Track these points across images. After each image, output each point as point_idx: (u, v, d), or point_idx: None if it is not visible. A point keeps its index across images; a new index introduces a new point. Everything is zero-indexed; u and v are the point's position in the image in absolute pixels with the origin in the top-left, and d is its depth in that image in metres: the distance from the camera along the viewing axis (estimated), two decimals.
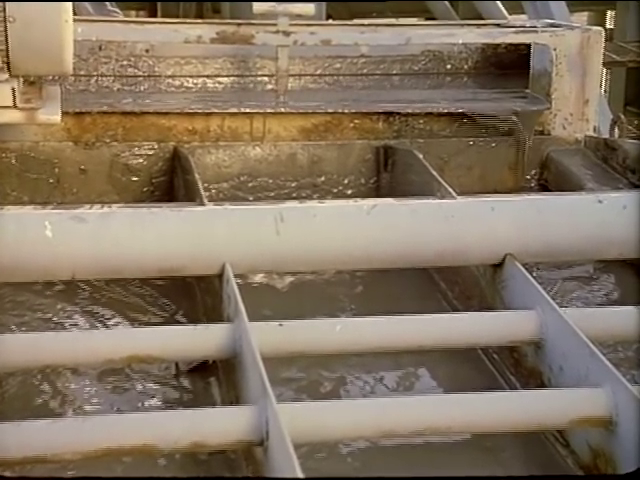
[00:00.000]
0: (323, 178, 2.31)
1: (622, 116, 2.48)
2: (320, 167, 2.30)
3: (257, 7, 2.37)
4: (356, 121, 2.35)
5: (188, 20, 2.68)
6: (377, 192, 2.30)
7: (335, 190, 2.32)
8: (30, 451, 1.20)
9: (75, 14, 1.81)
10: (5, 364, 1.39)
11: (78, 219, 1.55)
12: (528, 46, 2.58)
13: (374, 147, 2.32)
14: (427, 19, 5.79)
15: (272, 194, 2.26)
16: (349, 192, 2.33)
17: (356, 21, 5.45)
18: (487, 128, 2.38)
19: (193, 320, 1.76)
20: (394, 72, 2.74)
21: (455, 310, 1.84)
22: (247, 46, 2.44)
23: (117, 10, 3.94)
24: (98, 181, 2.21)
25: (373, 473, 1.39)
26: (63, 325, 1.73)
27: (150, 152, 2.23)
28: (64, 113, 1.88)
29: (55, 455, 1.20)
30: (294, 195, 2.26)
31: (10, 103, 1.79)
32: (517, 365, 1.61)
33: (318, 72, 2.69)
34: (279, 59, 2.39)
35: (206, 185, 2.15)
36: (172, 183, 2.23)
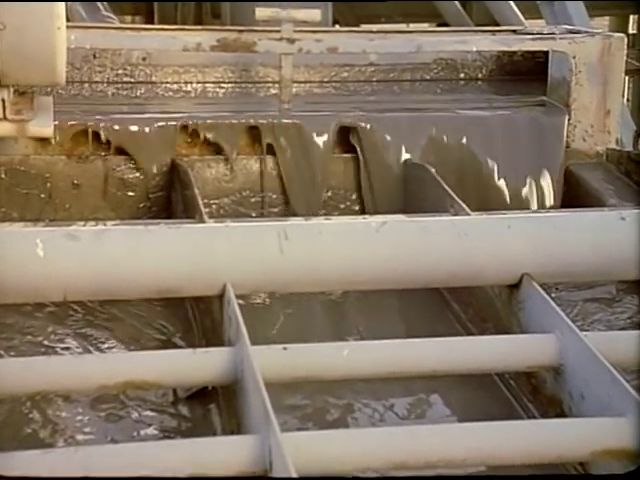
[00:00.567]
0: (330, 193, 2.32)
1: None
2: (326, 181, 2.31)
3: (260, 13, 2.39)
4: None
5: (187, 27, 2.70)
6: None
7: (342, 206, 2.32)
8: None
9: (68, 20, 1.83)
10: None
11: (71, 237, 1.55)
12: (546, 53, 2.59)
13: None
14: (439, 24, 5.80)
15: (276, 210, 2.27)
16: (357, 208, 2.34)
17: (364, 27, 5.47)
18: None
19: (192, 343, 1.76)
20: (404, 80, 2.75)
21: (469, 333, 1.84)
22: (249, 54, 2.45)
23: (112, 15, 3.96)
24: (92, 196, 2.22)
25: None
26: (54, 349, 1.74)
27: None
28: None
29: None
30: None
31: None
32: (535, 392, 1.61)
33: (324, 81, 2.71)
34: (283, 68, 2.40)
35: (206, 201, 2.16)
36: (170, 198, 2.24)
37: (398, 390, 1.65)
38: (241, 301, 1.56)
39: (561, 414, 1.51)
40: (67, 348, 1.75)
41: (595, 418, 1.38)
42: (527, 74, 2.81)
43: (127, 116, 2.32)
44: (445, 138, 2.37)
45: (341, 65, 2.70)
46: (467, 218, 1.81)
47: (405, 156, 2.33)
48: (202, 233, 1.65)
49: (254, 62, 2.63)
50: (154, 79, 2.61)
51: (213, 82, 2.63)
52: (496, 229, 1.69)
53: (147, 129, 2.25)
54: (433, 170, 2.19)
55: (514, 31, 2.64)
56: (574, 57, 2.45)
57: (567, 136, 2.44)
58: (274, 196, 2.28)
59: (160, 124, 2.27)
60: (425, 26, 6.32)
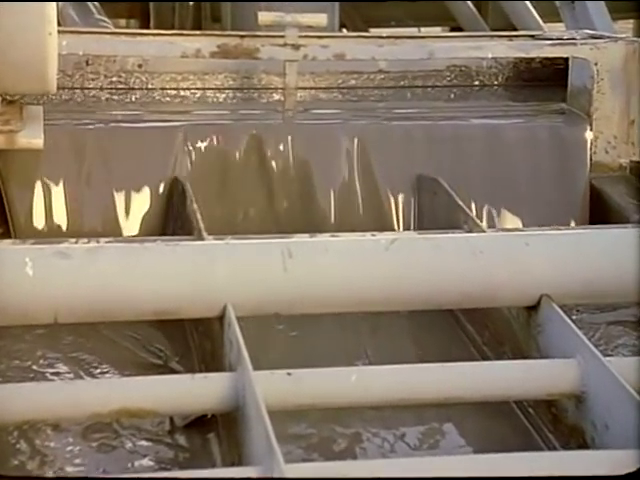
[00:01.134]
0: (338, 206, 2.32)
1: None
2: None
3: (262, 17, 2.40)
4: None
5: (185, 32, 2.71)
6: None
7: (349, 221, 2.33)
8: None
9: (59, 24, 1.83)
10: None
11: (62, 255, 1.56)
12: (566, 60, 2.60)
13: None
14: (452, 29, 5.80)
15: (282, 225, 2.27)
16: (365, 222, 2.34)
17: (373, 31, 5.48)
18: None
19: (190, 368, 1.76)
20: (416, 86, 2.76)
21: (485, 357, 1.84)
22: (251, 61, 2.46)
23: (105, 19, 3.97)
24: None
25: None
26: (44, 374, 1.74)
27: None
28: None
29: None
30: None
31: None
32: (556, 421, 1.60)
33: (331, 88, 2.72)
34: (287, 75, 2.41)
35: (205, 216, 2.17)
36: (167, 213, 2.24)
37: (409, 418, 1.64)
38: (242, 322, 1.57)
39: (583, 445, 1.51)
40: (57, 373, 1.75)
41: (620, 450, 1.38)
42: (545, 81, 2.82)
43: (121, 125, 2.33)
44: (459, 148, 2.37)
45: (349, 72, 2.71)
46: (482, 235, 1.82)
47: (416, 168, 2.33)
48: (201, 251, 1.65)
49: (257, 69, 2.64)
50: (150, 86, 2.62)
51: (213, 90, 2.64)
52: (513, 247, 1.69)
53: (142, 139, 2.26)
54: (446, 184, 2.20)
55: (532, 36, 2.64)
56: (596, 64, 2.46)
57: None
58: (279, 209, 2.28)
59: (156, 134, 2.28)
60: (437, 30, 6.31)
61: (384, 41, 2.49)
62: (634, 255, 1.69)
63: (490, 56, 2.62)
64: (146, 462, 1.52)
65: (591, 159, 2.43)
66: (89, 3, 3.86)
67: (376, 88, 2.73)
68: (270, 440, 1.25)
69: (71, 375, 1.74)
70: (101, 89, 2.57)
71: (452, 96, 2.75)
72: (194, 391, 1.45)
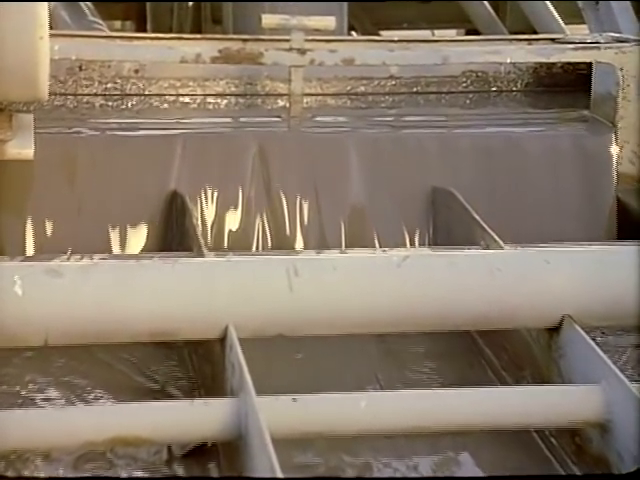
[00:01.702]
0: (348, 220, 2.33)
1: None
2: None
3: (267, 20, 2.40)
4: None
5: (185, 35, 2.72)
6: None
7: (360, 236, 2.33)
8: None
9: (51, 27, 1.84)
10: None
11: (53, 273, 1.56)
12: (589, 65, 2.60)
13: None
14: (468, 31, 5.81)
15: (287, 242, 2.27)
16: (376, 237, 2.34)
17: (384, 34, 5.48)
18: None
19: (189, 393, 1.76)
20: (429, 92, 2.77)
21: (503, 382, 1.83)
22: (255, 66, 2.47)
23: (99, 21, 3.98)
24: None
25: None
26: (33, 400, 1.74)
27: None
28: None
29: None
30: None
31: None
32: (580, 452, 1.60)
33: (339, 94, 2.72)
34: (292, 81, 2.42)
35: (205, 231, 2.17)
36: (165, 228, 2.25)
37: (423, 447, 1.64)
38: (245, 344, 1.57)
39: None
40: (48, 399, 1.75)
41: None
42: (567, 87, 2.82)
43: (116, 133, 2.34)
44: (475, 159, 2.37)
45: (358, 78, 2.71)
46: (500, 252, 1.82)
47: (430, 180, 2.33)
48: (201, 268, 1.66)
49: (260, 75, 2.64)
50: (148, 93, 2.63)
51: (214, 97, 2.65)
52: (533, 265, 1.69)
53: (139, 149, 2.27)
54: (461, 197, 2.20)
55: (553, 39, 2.65)
56: (621, 69, 2.46)
57: None
58: (284, 223, 2.29)
59: (154, 143, 2.29)
60: (452, 33, 6.32)
61: (396, 45, 2.50)
62: None
63: (508, 61, 2.62)
64: None
65: (616, 170, 2.43)
66: (82, 4, 3.87)
67: (387, 95, 2.73)
68: (274, 470, 1.25)
69: (62, 401, 1.74)
70: (95, 96, 2.58)
71: (468, 103, 2.76)
72: (193, 418, 1.45)
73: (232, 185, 2.27)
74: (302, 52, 2.39)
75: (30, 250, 2.17)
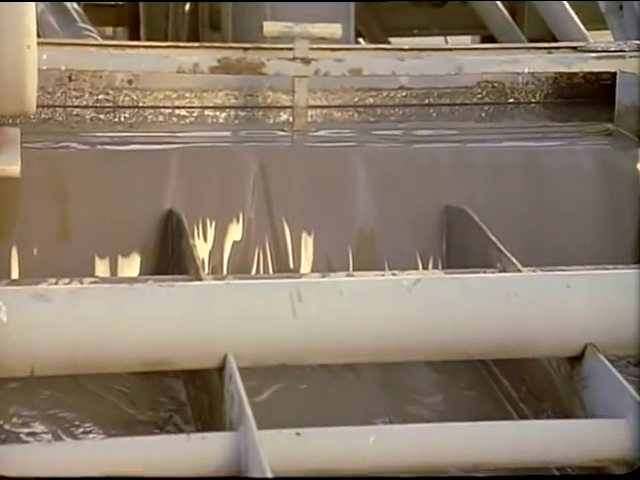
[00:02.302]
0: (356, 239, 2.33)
1: None
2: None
3: (268, 28, 2.41)
4: None
5: (181, 44, 2.73)
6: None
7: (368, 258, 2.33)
8: None
9: (39, 36, 1.85)
10: None
11: (41, 298, 1.56)
12: (613, 74, 2.61)
13: None
14: (483, 38, 5.82)
15: (291, 265, 2.28)
16: (385, 260, 2.34)
17: (393, 41, 5.49)
18: None
19: (185, 427, 1.76)
20: (442, 104, 2.77)
21: (522, 416, 1.84)
22: (256, 77, 2.48)
23: (90, 27, 4.00)
24: None
25: None
26: (18, 435, 1.74)
27: None
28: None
29: None
30: None
31: None
32: None
33: (346, 106, 2.73)
34: (296, 93, 2.43)
35: (203, 253, 2.18)
36: (160, 250, 2.25)
37: None
38: (244, 374, 1.57)
39: None
40: (33, 433, 1.75)
41: None
42: (590, 99, 2.83)
43: (108, 148, 2.35)
44: (491, 176, 2.38)
45: (366, 89, 2.72)
46: (517, 275, 1.82)
47: (443, 198, 2.34)
48: (198, 293, 1.66)
49: (262, 86, 2.65)
50: (142, 105, 2.64)
51: (213, 109, 2.66)
52: (553, 289, 1.69)
53: (132, 164, 2.27)
54: (476, 216, 2.20)
55: (574, 48, 2.66)
56: None
57: None
58: (287, 244, 2.29)
59: (148, 158, 2.30)
60: (466, 40, 6.33)
61: (406, 54, 2.51)
62: None
63: (527, 71, 2.63)
64: None
65: None
66: (72, 10, 3.88)
67: (397, 107, 2.74)
68: None
69: (49, 435, 1.74)
70: (86, 108, 2.59)
71: (483, 116, 2.76)
72: (190, 453, 1.45)
73: (231, 203, 2.28)
74: (306, 62, 2.40)
75: (15, 274, 2.17)
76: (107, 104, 2.61)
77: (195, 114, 2.64)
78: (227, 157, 2.33)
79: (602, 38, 3.05)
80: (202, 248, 2.22)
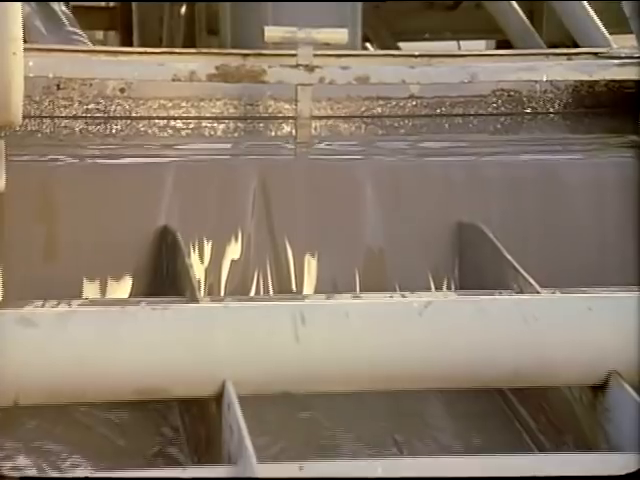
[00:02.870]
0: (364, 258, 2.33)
1: None
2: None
3: (270, 33, 2.42)
4: None
5: (177, 50, 2.74)
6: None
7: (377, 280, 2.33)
8: None
9: (25, 41, 1.86)
10: None
11: (26, 322, 1.56)
12: (637, 82, 2.61)
13: None
14: (499, 43, 5.83)
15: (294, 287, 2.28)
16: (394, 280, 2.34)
17: (403, 46, 5.50)
18: None
19: (180, 459, 1.76)
20: (455, 115, 2.78)
21: (541, 448, 1.83)
22: (257, 85, 2.49)
23: (80, 32, 4.00)
24: None
25: None
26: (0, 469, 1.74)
27: None
28: None
29: None
30: None
31: None
32: None
33: (352, 117, 2.74)
34: (299, 102, 2.43)
35: (200, 273, 2.18)
36: (154, 269, 2.25)
37: None
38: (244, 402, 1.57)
39: None
40: (16, 467, 1.74)
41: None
42: (612, 108, 2.83)
43: (99, 161, 2.35)
44: (507, 191, 2.38)
45: (374, 98, 2.73)
46: (536, 297, 1.82)
47: (456, 214, 2.34)
48: (195, 316, 1.66)
49: (263, 95, 2.66)
50: (135, 115, 2.64)
51: (210, 120, 2.66)
52: (574, 312, 1.69)
53: (125, 179, 2.28)
54: (491, 233, 2.20)
55: (596, 54, 2.67)
56: None
57: None
58: (290, 264, 2.29)
59: (142, 173, 2.30)
60: (481, 45, 6.34)
61: (417, 61, 2.52)
62: None
63: (545, 79, 2.64)
64: None
65: None
66: (60, 12, 3.89)
67: (407, 117, 2.75)
68: None
69: (34, 470, 1.74)
70: (75, 118, 2.60)
71: (499, 127, 2.77)
72: None
73: (230, 220, 2.28)
74: (310, 69, 2.41)
75: None
76: (98, 114, 2.62)
77: (191, 125, 2.65)
78: (225, 171, 2.33)
79: (626, 43, 3.05)
80: (198, 268, 2.22)
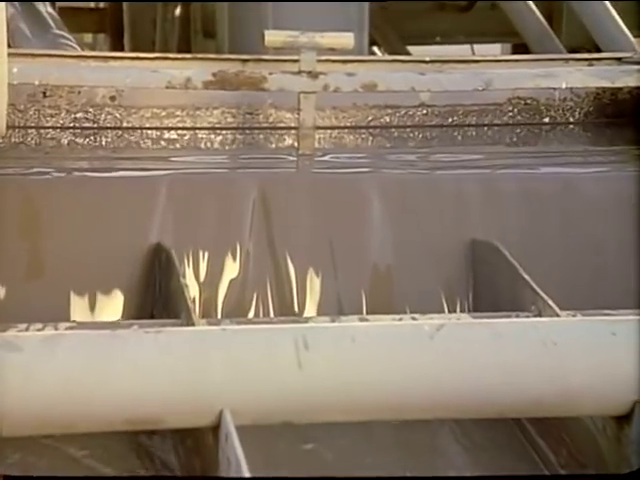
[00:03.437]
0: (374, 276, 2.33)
1: None
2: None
3: (271, 37, 2.42)
4: None
5: (171, 55, 2.74)
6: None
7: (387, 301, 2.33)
8: None
9: (8, 45, 1.86)
10: None
11: (10, 347, 1.56)
12: None
13: None
14: (515, 47, 5.84)
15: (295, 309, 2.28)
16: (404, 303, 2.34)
17: (413, 50, 5.51)
18: None
19: None
20: (468, 126, 2.78)
21: None
22: (256, 93, 2.49)
23: (68, 36, 4.01)
24: None
25: None
26: None
27: None
28: None
29: None
30: None
31: None
32: None
33: (359, 127, 2.74)
34: (302, 111, 2.44)
35: (195, 294, 2.18)
36: (146, 290, 2.25)
37: None
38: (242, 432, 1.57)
39: None
40: None
41: None
42: (636, 118, 2.83)
43: (87, 175, 2.35)
44: (524, 206, 2.38)
45: (381, 107, 2.73)
46: (555, 320, 1.82)
47: (470, 231, 2.34)
48: (190, 340, 1.66)
49: (263, 103, 2.66)
50: (126, 125, 2.65)
51: (207, 130, 2.67)
52: (596, 337, 1.69)
53: (115, 194, 2.28)
54: (507, 252, 2.20)
55: (619, 59, 2.67)
56: None
57: None
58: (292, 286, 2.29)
59: (133, 187, 2.30)
60: (496, 49, 6.35)
61: (427, 67, 2.52)
62: None
63: (564, 86, 2.64)
64: None
65: None
66: (46, 14, 3.90)
67: (417, 127, 2.75)
68: None
69: None
70: (62, 129, 2.60)
71: (515, 138, 2.77)
72: None
73: (227, 238, 2.28)
74: (314, 76, 2.41)
75: None
76: (87, 124, 2.62)
77: (187, 136, 2.65)
78: (223, 185, 2.33)
79: None
80: (194, 288, 2.22)
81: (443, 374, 1.66)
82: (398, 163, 2.51)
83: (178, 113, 2.66)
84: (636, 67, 2.59)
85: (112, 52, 3.92)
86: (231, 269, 2.28)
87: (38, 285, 2.22)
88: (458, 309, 2.31)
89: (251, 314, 2.26)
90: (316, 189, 2.35)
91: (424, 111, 2.75)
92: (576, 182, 2.44)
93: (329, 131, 2.70)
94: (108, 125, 2.63)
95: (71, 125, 2.62)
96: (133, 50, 4.87)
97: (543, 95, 2.80)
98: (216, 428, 1.58)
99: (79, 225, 2.25)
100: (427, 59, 2.57)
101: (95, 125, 2.64)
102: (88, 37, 7.07)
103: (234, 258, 2.28)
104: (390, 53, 5.57)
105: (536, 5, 4.66)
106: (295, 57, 2.41)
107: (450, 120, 2.78)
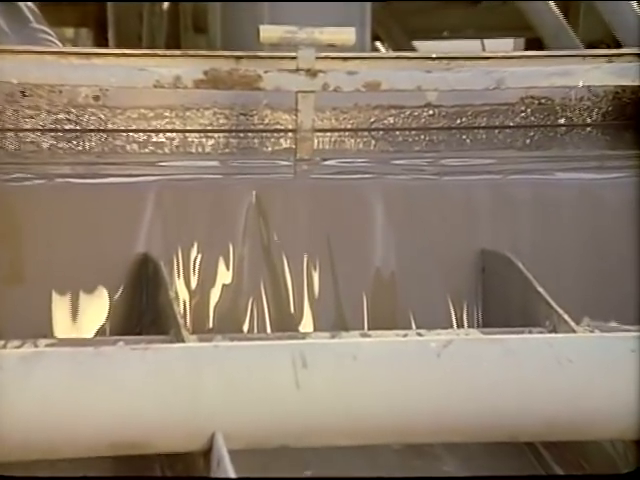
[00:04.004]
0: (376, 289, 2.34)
1: None
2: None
3: (266, 33, 2.42)
4: None
5: (160, 52, 2.75)
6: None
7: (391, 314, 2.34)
8: None
9: None
10: None
11: None
12: None
13: None
14: (528, 41, 5.85)
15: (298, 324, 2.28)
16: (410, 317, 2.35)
17: (419, 46, 5.51)
18: None
19: None
20: (478, 128, 2.79)
21: None
22: (251, 92, 2.49)
23: (48, 30, 4.01)
24: None
25: None
26: None
27: None
28: None
29: None
30: None
31: None
32: None
33: (361, 129, 2.75)
34: (300, 113, 2.44)
35: (185, 308, 2.18)
36: (133, 304, 2.25)
37: None
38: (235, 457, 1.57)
39: None
40: None
41: None
42: None
43: (70, 181, 2.36)
44: (538, 214, 2.39)
45: (385, 107, 2.74)
46: (571, 337, 1.82)
47: (479, 241, 2.34)
48: (180, 357, 1.66)
49: (258, 104, 2.67)
50: (111, 127, 2.65)
51: (198, 133, 2.67)
52: (615, 354, 1.69)
53: (100, 201, 2.28)
54: (520, 263, 2.21)
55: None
56: None
57: None
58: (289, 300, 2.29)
59: (119, 194, 2.31)
60: (508, 44, 6.35)
61: (434, 64, 2.52)
62: None
63: (581, 84, 2.64)
64: None
65: None
66: (24, 7, 3.91)
67: (423, 130, 2.76)
68: None
69: None
70: (42, 132, 2.60)
71: (528, 141, 2.78)
72: None
73: (220, 248, 2.28)
74: (312, 74, 2.42)
75: None
76: (69, 125, 2.63)
77: (176, 139, 2.66)
78: (215, 192, 2.33)
79: None
80: (184, 301, 2.22)
81: (451, 395, 1.66)
82: (403, 168, 2.52)
83: (167, 114, 2.67)
84: None
85: (96, 48, 3.93)
86: (224, 282, 2.28)
87: (18, 297, 2.22)
88: (466, 324, 2.31)
89: (245, 328, 2.26)
90: (315, 196, 2.35)
91: (430, 112, 2.76)
92: (594, 188, 2.45)
93: (329, 134, 2.70)
94: (92, 127, 2.64)
95: (52, 127, 2.62)
96: (118, 46, 4.88)
97: (558, 94, 2.81)
98: (207, 452, 1.58)
99: (61, 235, 2.25)
100: (434, 56, 2.57)
101: (78, 127, 2.65)
102: (70, 32, 7.08)
103: (227, 269, 2.28)
104: (394, 49, 5.58)
105: None
106: (292, 54, 2.42)
107: (458, 122, 2.79)
